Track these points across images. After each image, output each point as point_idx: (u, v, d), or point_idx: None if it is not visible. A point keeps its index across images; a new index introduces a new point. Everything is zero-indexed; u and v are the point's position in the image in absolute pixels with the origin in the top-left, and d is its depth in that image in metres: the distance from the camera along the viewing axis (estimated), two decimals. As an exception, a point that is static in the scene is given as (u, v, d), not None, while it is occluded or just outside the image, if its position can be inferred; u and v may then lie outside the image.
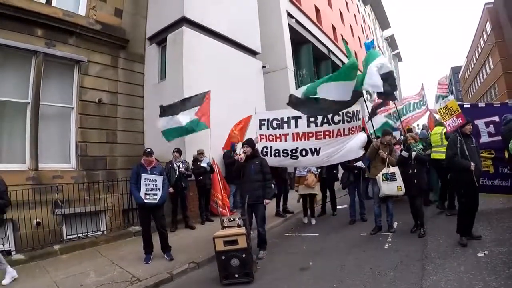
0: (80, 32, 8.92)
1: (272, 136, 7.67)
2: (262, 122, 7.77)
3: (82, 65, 8.96)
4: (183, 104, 8.77)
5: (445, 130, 6.76)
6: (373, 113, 10.54)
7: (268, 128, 7.71)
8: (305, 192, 8.14)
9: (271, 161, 7.23)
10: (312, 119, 7.40)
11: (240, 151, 7.17)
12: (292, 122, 7.50)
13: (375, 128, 8.54)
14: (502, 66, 37.37)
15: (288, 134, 7.56)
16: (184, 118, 8.54)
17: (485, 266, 4.28)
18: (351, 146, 7.31)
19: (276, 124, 7.68)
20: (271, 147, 7.58)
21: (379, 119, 10.52)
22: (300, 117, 7.42)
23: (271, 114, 7.97)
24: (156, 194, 5.99)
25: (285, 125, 7.56)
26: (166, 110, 8.81)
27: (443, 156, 6.21)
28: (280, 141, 7.62)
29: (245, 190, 6.14)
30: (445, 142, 6.65)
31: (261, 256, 5.94)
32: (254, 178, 6.07)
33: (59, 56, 8.45)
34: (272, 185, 6.93)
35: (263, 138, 7.62)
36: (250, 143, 6.39)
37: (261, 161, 6.29)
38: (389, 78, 6.49)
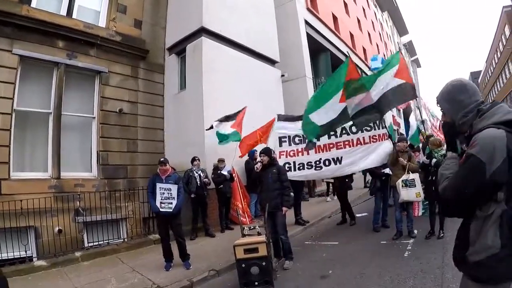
0: (101, 44, 9.08)
1: (294, 151, 7.86)
2: (283, 139, 7.93)
3: (103, 76, 9.11)
4: (227, 118, 8.93)
5: None
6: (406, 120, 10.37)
7: (290, 145, 7.90)
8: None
9: (296, 175, 7.42)
10: (332, 132, 7.54)
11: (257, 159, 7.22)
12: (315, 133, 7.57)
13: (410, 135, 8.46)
14: (522, 70, 36.63)
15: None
16: (226, 128, 8.74)
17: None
18: (376, 155, 7.35)
19: (299, 140, 7.89)
20: (294, 162, 7.71)
21: (413, 125, 10.23)
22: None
23: (291, 130, 8.02)
24: (171, 203, 6.00)
25: (307, 140, 7.62)
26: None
27: None
28: (303, 155, 7.82)
29: (264, 199, 6.09)
30: None
31: (286, 267, 5.79)
32: (272, 187, 6.01)
33: (80, 67, 8.63)
34: (291, 193, 6.82)
35: (283, 154, 7.69)
36: (267, 151, 6.32)
37: (278, 168, 6.22)
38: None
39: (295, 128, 7.93)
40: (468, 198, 1.70)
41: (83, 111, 8.85)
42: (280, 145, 7.80)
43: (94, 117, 8.93)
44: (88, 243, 7.69)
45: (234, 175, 9.12)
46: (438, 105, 2.03)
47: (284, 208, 6.01)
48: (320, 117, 6.72)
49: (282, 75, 13.43)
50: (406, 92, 6.46)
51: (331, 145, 7.71)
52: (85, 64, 8.72)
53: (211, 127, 8.77)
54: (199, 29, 10.23)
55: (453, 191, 1.74)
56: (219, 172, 8.81)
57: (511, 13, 37.49)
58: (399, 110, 11.08)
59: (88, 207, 7.70)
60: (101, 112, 9.00)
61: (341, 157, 7.61)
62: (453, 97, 1.95)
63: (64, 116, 8.25)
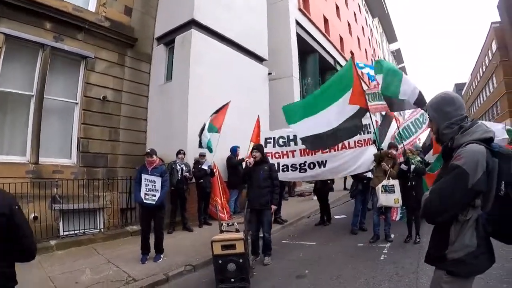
0: (89, 28, 8.90)
1: (279, 153, 7.96)
2: (268, 141, 8.01)
3: (89, 61, 8.93)
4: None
5: None
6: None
7: (274, 146, 7.98)
8: None
9: (281, 176, 7.35)
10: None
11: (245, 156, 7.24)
12: (299, 140, 7.68)
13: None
14: (505, 85, 37.76)
15: (295, 150, 7.92)
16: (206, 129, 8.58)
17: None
18: (363, 162, 7.54)
19: (283, 142, 8.00)
20: (278, 163, 7.75)
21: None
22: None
23: (276, 133, 8.20)
24: (155, 195, 6.00)
25: (291, 143, 7.90)
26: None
27: None
28: (288, 157, 7.95)
29: (253, 195, 6.11)
30: None
31: (266, 262, 5.92)
32: (263, 184, 6.04)
33: (66, 50, 8.43)
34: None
35: (268, 155, 7.72)
36: (259, 148, 6.39)
37: (270, 166, 6.28)
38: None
39: (280, 132, 8.06)
40: (452, 204, 1.89)
41: (66, 96, 8.64)
42: (265, 146, 7.81)
43: (77, 103, 8.75)
44: (63, 231, 7.53)
45: (215, 170, 9.11)
46: (427, 112, 2.22)
47: (273, 206, 6.13)
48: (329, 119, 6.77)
49: (269, 73, 13.48)
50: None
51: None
52: (71, 48, 8.52)
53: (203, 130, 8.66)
54: (189, 21, 10.14)
55: (440, 197, 1.90)
56: (199, 166, 8.78)
57: (499, 29, 38.60)
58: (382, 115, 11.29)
59: (65, 194, 7.55)
60: (85, 98, 8.83)
61: (326, 161, 7.73)
62: (441, 107, 2.13)
63: (47, 99, 8.04)
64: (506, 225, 1.95)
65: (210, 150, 8.62)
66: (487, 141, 1.93)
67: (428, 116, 2.22)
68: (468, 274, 1.97)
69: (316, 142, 7.02)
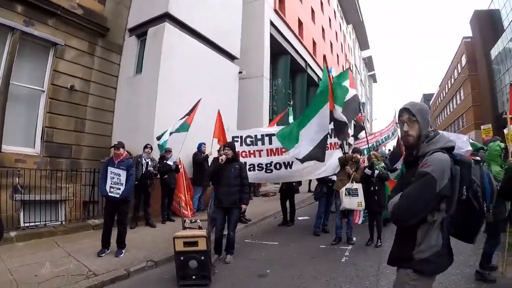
0: (61, 14, 8.70)
1: (246, 152, 8.02)
2: (235, 139, 8.02)
3: (58, 48, 8.73)
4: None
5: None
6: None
7: (241, 145, 8.01)
8: None
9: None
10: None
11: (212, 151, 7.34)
12: (266, 139, 7.90)
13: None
14: (472, 99, 39.49)
15: (262, 150, 8.01)
16: (175, 125, 8.43)
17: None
18: (329, 165, 7.68)
19: (250, 141, 8.07)
20: (245, 162, 7.70)
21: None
22: (273, 134, 7.76)
23: (244, 132, 8.26)
24: (119, 189, 6.02)
25: (259, 142, 7.95)
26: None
27: None
28: (255, 157, 8.03)
29: (222, 193, 6.09)
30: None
31: (228, 261, 5.96)
32: (232, 182, 6.06)
33: (36, 36, 8.19)
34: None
35: None
36: (231, 146, 6.42)
37: (240, 165, 6.31)
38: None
39: (248, 131, 8.19)
40: (422, 208, 2.05)
41: (33, 83, 8.42)
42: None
43: (43, 91, 8.55)
44: (24, 223, 7.39)
45: (180, 166, 9.10)
46: (415, 115, 2.28)
47: (243, 206, 6.22)
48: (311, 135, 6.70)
49: (240, 72, 13.57)
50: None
51: (283, 150, 7.83)
52: (41, 34, 8.28)
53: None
54: (163, 14, 10.12)
55: (409, 202, 2.05)
56: (165, 161, 8.80)
57: (470, 44, 40.31)
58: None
59: (27, 185, 7.41)
60: (52, 86, 8.64)
61: (292, 162, 7.81)
62: (426, 115, 2.30)
63: (12, 85, 7.81)
64: (467, 226, 2.26)
65: (162, 149, 8.57)
66: (449, 150, 2.15)
67: (414, 118, 2.28)
68: (433, 272, 2.15)
69: (313, 156, 6.88)
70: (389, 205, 2.20)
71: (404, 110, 2.33)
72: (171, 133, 8.39)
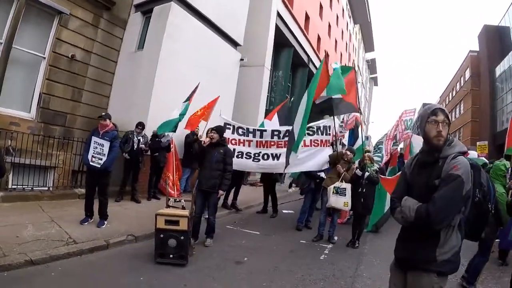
0: (69, -17, 8.69)
1: (236, 140, 8.09)
2: (228, 126, 8.04)
3: (63, 17, 8.76)
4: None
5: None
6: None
7: (233, 133, 8.08)
8: None
9: (234, 162, 7.43)
10: (276, 132, 8.04)
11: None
12: (258, 133, 8.05)
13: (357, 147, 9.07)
14: (471, 114, 39.30)
15: (252, 141, 8.14)
16: (177, 111, 8.44)
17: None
18: (315, 161, 7.85)
19: (242, 131, 8.15)
20: (234, 149, 7.81)
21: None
22: (265, 130, 8.03)
23: (236, 123, 8.35)
24: (101, 159, 6.04)
25: (250, 134, 8.09)
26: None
27: None
28: (244, 146, 8.12)
29: (203, 176, 6.06)
30: None
31: (208, 244, 6.01)
32: (215, 166, 6.00)
33: (42, 2, 8.19)
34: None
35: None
36: (218, 129, 6.33)
37: (225, 151, 6.23)
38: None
39: (240, 124, 8.31)
40: (455, 210, 2.14)
41: (34, 49, 8.46)
42: (224, 131, 8.03)
43: (44, 57, 8.61)
44: (12, 185, 7.50)
45: (171, 145, 9.18)
46: (448, 118, 2.33)
47: (220, 191, 6.17)
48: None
49: (242, 59, 13.57)
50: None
51: (272, 143, 8.09)
52: (47, 1, 8.28)
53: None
54: (171, -7, 10.07)
55: (446, 205, 2.09)
56: (157, 139, 8.83)
57: (476, 58, 39.86)
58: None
59: (19, 148, 7.52)
60: (53, 54, 8.70)
61: (280, 154, 7.96)
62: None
63: (14, 49, 7.86)
64: (477, 225, 2.34)
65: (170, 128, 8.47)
66: (463, 154, 2.25)
67: (447, 120, 2.30)
68: (453, 271, 2.24)
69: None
70: (405, 209, 2.24)
71: (439, 110, 2.30)
72: (181, 115, 8.39)
